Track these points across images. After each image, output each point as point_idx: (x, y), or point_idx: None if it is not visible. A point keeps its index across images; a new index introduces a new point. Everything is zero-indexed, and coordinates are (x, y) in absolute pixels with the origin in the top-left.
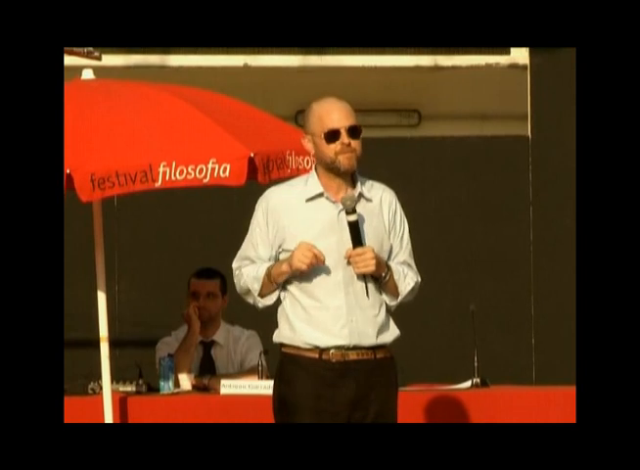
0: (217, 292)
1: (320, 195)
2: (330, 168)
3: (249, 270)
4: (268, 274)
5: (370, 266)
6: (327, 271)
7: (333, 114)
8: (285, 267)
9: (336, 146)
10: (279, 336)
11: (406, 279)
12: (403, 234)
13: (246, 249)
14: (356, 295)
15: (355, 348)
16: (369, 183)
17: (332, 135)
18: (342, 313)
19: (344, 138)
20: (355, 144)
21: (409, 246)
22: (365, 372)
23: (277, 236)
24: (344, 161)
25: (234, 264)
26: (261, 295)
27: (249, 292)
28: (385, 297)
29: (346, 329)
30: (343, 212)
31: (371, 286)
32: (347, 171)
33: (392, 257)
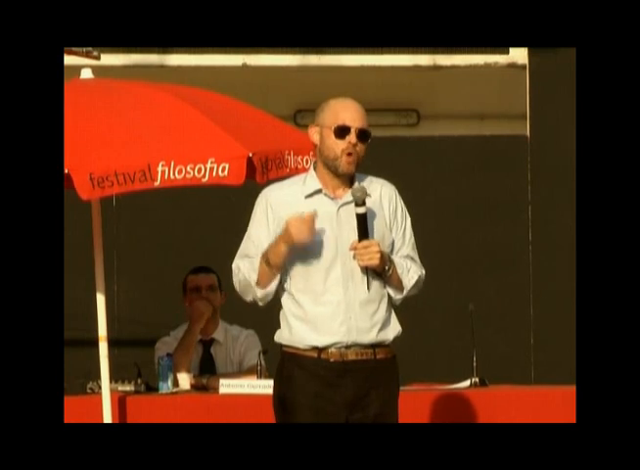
0: (216, 286)
1: (319, 191)
2: (329, 165)
3: (246, 264)
4: (265, 259)
5: (374, 259)
6: (325, 267)
7: (349, 112)
8: (282, 247)
9: (343, 143)
10: (279, 337)
11: (410, 273)
12: (405, 228)
13: (245, 247)
14: (356, 290)
15: (354, 345)
16: (367, 179)
17: (342, 131)
18: (340, 310)
19: (353, 137)
20: (360, 148)
21: (412, 240)
22: (365, 372)
23: (277, 232)
24: (345, 164)
25: (233, 264)
26: (260, 284)
27: (248, 286)
28: (389, 290)
29: (345, 326)
30: (343, 209)
31: (373, 280)
32: (345, 174)
33: (395, 251)
